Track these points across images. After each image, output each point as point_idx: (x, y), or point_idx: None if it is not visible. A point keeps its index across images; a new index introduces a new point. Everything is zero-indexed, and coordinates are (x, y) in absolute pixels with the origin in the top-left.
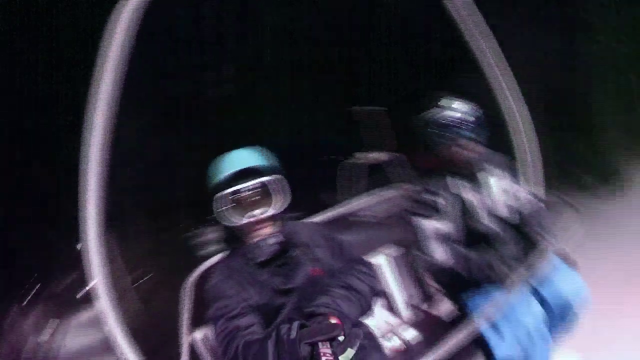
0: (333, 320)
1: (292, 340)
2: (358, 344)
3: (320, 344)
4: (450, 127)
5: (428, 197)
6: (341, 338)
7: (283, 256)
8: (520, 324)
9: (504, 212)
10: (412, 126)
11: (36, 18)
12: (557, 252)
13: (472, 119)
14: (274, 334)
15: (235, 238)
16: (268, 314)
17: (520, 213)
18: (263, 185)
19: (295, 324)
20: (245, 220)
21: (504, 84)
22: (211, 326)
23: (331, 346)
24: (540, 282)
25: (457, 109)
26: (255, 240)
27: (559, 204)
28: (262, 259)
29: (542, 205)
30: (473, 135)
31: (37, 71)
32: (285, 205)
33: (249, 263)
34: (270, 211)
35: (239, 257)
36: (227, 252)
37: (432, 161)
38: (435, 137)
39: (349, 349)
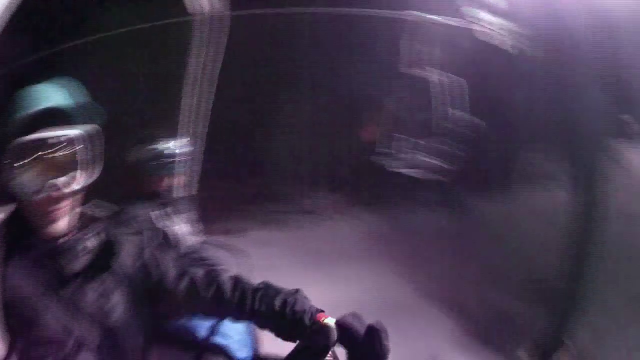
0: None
1: None
2: None
3: None
4: (167, 161)
5: (130, 220)
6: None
7: (97, 267)
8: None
9: (189, 242)
10: (129, 153)
11: None
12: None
13: (182, 156)
14: None
15: (20, 220)
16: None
17: (196, 246)
18: (71, 140)
19: None
20: (44, 193)
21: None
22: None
23: None
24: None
25: (175, 146)
26: (57, 231)
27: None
28: (76, 269)
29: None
30: (178, 171)
31: None
32: (96, 175)
33: (56, 270)
34: (78, 182)
35: (37, 257)
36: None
37: (139, 188)
38: (152, 167)
39: None
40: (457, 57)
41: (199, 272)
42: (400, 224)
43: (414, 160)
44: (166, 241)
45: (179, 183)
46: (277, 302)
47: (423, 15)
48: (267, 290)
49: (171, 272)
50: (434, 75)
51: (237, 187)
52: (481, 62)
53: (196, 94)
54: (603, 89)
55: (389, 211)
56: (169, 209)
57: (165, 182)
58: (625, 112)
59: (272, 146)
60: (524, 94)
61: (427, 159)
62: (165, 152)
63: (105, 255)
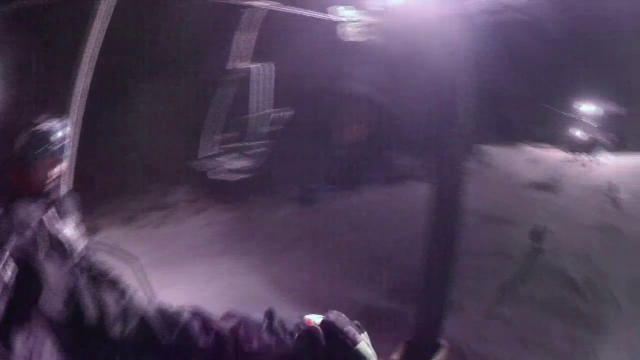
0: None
1: None
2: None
3: None
4: (57, 143)
5: (21, 226)
6: None
7: (21, 307)
8: None
9: (79, 248)
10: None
11: None
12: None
13: (66, 140)
14: None
15: None
16: None
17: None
18: None
19: None
20: None
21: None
22: None
23: None
24: None
25: (59, 127)
26: None
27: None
28: None
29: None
30: (64, 157)
31: None
32: None
33: None
34: None
35: None
36: None
37: (22, 179)
38: (38, 152)
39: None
40: (304, 51)
41: (152, 311)
42: (259, 221)
43: (234, 163)
44: (59, 249)
45: (64, 174)
46: (268, 334)
47: (271, 4)
48: (249, 327)
49: (112, 310)
50: (264, 70)
51: (93, 182)
52: (332, 55)
53: (81, 75)
54: (470, 86)
55: (248, 208)
56: (57, 209)
57: (51, 171)
58: (494, 111)
59: (129, 141)
60: (381, 89)
61: (245, 161)
62: (52, 132)
63: (27, 289)
